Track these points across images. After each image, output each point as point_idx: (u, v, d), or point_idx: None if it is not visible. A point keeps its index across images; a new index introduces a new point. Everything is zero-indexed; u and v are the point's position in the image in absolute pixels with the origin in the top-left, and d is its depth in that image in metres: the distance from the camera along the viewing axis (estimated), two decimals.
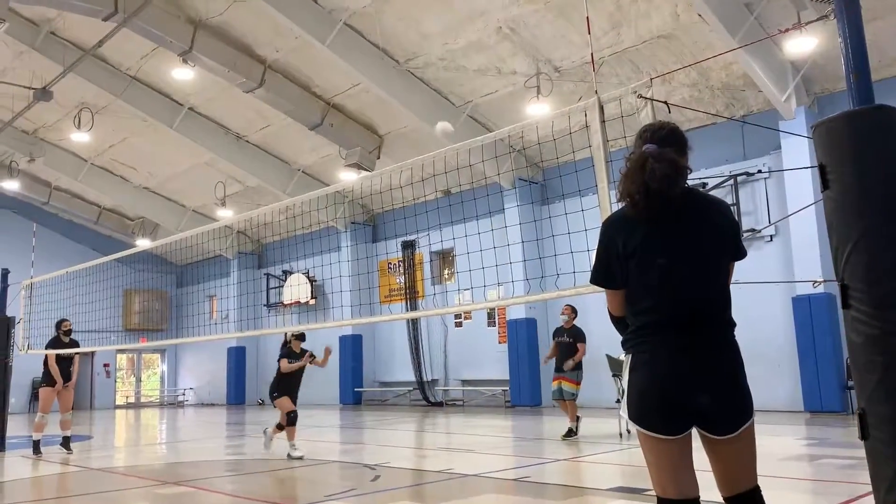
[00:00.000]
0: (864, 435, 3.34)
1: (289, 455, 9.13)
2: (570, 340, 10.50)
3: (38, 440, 10.31)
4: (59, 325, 10.96)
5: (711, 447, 2.81)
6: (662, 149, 2.85)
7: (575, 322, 10.69)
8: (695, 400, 2.70)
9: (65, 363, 10.75)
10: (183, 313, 27.35)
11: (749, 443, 2.80)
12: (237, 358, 25.39)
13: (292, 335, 9.97)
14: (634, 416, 2.78)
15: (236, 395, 25.28)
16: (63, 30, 16.62)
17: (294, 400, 9.69)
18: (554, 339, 10.84)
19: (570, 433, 10.16)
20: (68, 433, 10.57)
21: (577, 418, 10.29)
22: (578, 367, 10.44)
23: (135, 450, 12.39)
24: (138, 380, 29.18)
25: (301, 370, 9.85)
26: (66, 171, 22.64)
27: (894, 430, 3.19)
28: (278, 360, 9.82)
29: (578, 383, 10.43)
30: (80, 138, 19.65)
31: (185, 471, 8.93)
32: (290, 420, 9.42)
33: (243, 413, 20.91)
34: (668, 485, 2.75)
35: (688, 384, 2.70)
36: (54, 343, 10.78)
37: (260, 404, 24.50)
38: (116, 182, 23.63)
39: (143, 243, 23.47)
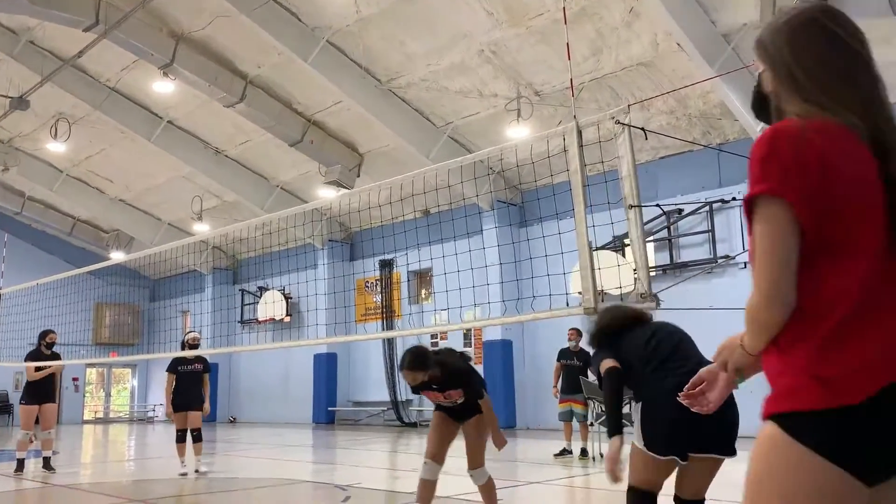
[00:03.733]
0: None
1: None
2: (581, 364, 10.41)
3: (23, 458, 9.81)
4: (43, 335, 10.33)
5: (708, 466, 3.35)
6: None
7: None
8: (729, 426, 3.30)
9: (46, 378, 10.14)
10: (155, 328, 26.97)
11: None
12: (210, 374, 25.03)
13: (188, 342, 9.74)
14: (662, 446, 3.25)
15: None
16: (42, 39, 16.50)
17: (188, 408, 9.44)
18: (558, 360, 10.80)
19: (564, 452, 10.36)
20: (49, 453, 9.98)
21: (569, 449, 10.45)
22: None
23: (102, 466, 12.15)
24: (108, 395, 28.69)
25: (193, 377, 9.64)
26: (40, 182, 22.35)
27: None
28: (167, 370, 9.63)
29: (588, 405, 10.49)
30: (56, 148, 19.43)
31: (153, 488, 8.76)
32: (177, 437, 9.41)
33: (214, 430, 20.60)
34: (654, 484, 3.46)
35: (726, 411, 3.02)
36: (34, 356, 10.21)
37: (232, 421, 24.19)
38: (92, 194, 23.37)
39: (116, 256, 23.17)
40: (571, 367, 10.57)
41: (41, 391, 10.12)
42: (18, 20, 15.67)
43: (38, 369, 10.06)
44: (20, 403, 10.23)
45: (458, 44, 14.06)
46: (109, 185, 23.10)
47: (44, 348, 10.32)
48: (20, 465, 9.79)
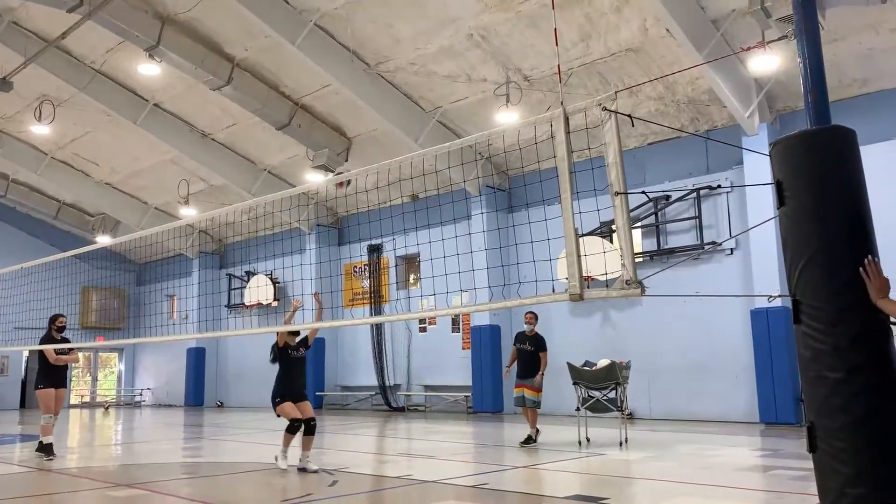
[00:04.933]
0: (812, 448, 3.41)
1: (306, 468, 8.22)
2: (532, 349, 10.44)
3: (51, 443, 9.77)
4: (52, 320, 10.22)
5: None
6: None
7: (536, 329, 10.67)
8: None
9: (60, 365, 10.12)
10: (142, 312, 26.87)
11: None
12: (196, 359, 25.02)
13: (290, 319, 9.02)
14: None
15: (195, 397, 24.92)
16: (26, 20, 16.27)
17: (299, 398, 8.56)
18: (514, 344, 10.78)
19: (529, 440, 10.20)
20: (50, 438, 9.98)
21: (537, 430, 10.37)
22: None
23: (88, 451, 12.13)
24: (94, 379, 28.61)
25: (301, 363, 8.77)
26: (24, 164, 22.13)
27: (841, 443, 3.26)
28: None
29: (540, 391, 10.40)
30: (40, 131, 19.22)
31: (139, 473, 8.77)
32: (289, 427, 8.44)
33: (201, 415, 20.61)
34: None
35: None
36: (46, 341, 10.14)
37: (219, 406, 24.18)
38: (77, 177, 23.16)
39: (102, 240, 23.02)
40: (522, 350, 10.49)
41: (58, 376, 10.15)
42: (1, 0, 15.45)
43: (58, 352, 10.02)
44: (37, 388, 10.11)
45: (446, 27, 13.99)
46: (95, 169, 22.90)
47: (55, 332, 10.22)
48: (49, 449, 9.71)
